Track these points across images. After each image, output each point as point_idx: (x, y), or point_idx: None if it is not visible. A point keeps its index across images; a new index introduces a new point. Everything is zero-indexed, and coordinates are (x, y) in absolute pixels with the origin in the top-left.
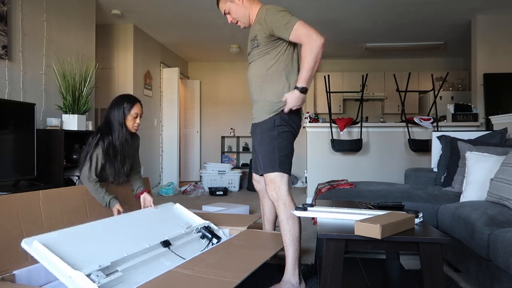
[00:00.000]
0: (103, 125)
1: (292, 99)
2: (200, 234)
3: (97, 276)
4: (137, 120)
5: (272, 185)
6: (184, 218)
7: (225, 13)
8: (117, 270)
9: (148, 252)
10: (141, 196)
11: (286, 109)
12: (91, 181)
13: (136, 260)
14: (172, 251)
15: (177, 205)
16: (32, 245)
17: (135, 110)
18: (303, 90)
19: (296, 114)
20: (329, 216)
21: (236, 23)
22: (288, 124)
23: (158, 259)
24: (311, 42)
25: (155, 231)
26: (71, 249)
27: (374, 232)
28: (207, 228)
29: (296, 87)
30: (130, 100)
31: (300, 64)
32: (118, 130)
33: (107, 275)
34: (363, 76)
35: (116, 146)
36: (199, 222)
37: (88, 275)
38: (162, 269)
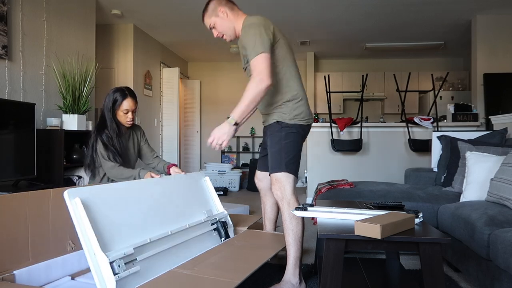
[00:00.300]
0: (99, 119)
1: (218, 131)
2: (215, 226)
3: (119, 266)
4: (129, 115)
5: (277, 185)
6: (208, 198)
7: (210, 28)
8: (136, 259)
9: (167, 241)
10: (171, 170)
11: (208, 143)
12: (114, 167)
13: (155, 250)
14: (186, 246)
15: (207, 178)
16: (72, 200)
17: (125, 106)
18: (234, 123)
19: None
20: (329, 216)
21: (222, 37)
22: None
23: (172, 251)
24: (257, 82)
25: (179, 209)
26: (106, 215)
27: (374, 232)
28: (223, 225)
29: (228, 117)
30: (121, 94)
31: (296, 71)
32: (110, 124)
33: (127, 263)
34: (363, 76)
35: (113, 139)
36: (220, 209)
37: (112, 262)
38: (172, 264)
